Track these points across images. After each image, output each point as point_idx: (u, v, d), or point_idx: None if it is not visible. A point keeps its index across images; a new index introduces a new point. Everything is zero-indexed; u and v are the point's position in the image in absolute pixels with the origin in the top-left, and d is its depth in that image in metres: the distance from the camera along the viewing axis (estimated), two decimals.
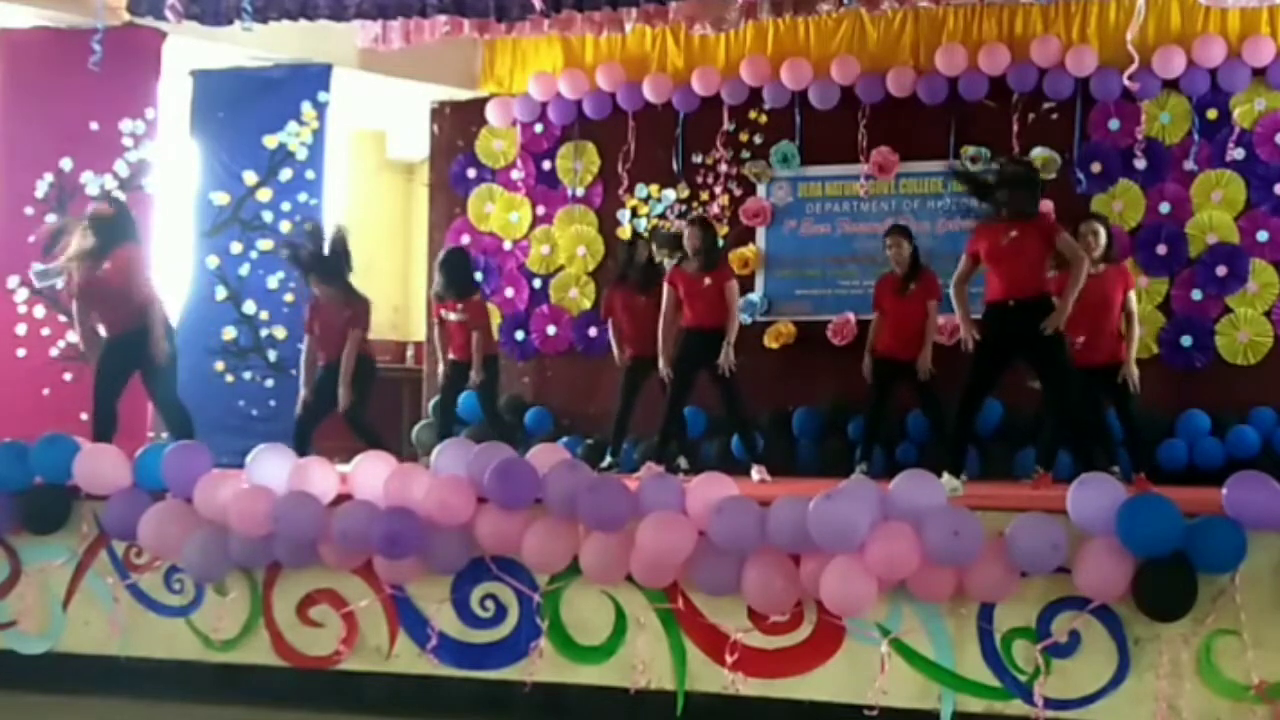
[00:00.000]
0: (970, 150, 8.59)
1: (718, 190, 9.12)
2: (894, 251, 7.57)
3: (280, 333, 8.85)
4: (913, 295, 7.49)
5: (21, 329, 8.43)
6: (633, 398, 7.93)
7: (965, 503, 4.77)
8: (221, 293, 8.92)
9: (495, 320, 9.37)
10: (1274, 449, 7.84)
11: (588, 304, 9.29)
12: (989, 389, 6.36)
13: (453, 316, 7.96)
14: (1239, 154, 8.28)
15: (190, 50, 8.72)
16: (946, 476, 5.76)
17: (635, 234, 9.04)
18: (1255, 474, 4.75)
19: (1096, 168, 8.46)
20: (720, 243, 7.79)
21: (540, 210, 9.50)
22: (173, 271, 8.91)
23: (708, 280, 7.32)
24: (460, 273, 8.08)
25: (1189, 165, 8.35)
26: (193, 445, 5.87)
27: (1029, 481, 6.66)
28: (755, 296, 8.97)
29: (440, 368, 8.35)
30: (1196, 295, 8.24)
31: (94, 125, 8.51)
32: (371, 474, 5.36)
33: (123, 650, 5.65)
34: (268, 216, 9.00)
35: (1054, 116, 8.53)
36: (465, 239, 9.51)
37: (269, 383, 8.88)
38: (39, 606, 5.75)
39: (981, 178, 6.66)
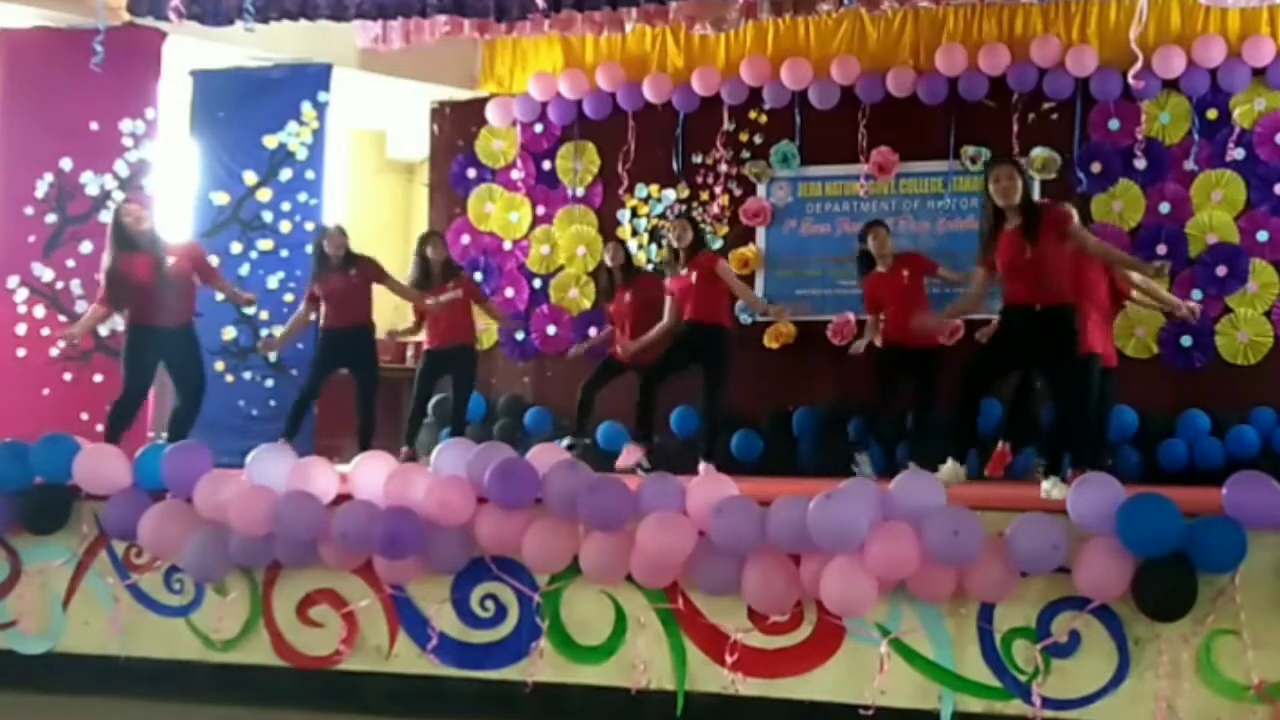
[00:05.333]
0: (970, 150, 8.61)
1: (718, 190, 9.13)
2: (878, 244, 7.56)
3: (280, 333, 8.83)
4: (910, 280, 7.56)
5: (21, 329, 8.43)
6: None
7: (965, 503, 4.77)
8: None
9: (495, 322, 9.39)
10: (1274, 449, 7.85)
11: (588, 304, 9.29)
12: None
13: (443, 298, 8.00)
14: (1239, 154, 8.28)
15: (190, 50, 8.72)
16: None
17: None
18: (1255, 474, 4.75)
19: (1096, 168, 8.46)
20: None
21: (540, 210, 9.51)
22: None
23: (694, 274, 7.34)
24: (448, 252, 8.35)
25: (1189, 165, 8.35)
26: (193, 445, 5.87)
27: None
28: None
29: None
30: (1196, 295, 8.23)
31: (94, 125, 8.52)
32: (371, 474, 5.36)
33: (123, 650, 5.65)
34: (268, 216, 9.00)
35: (1054, 116, 8.54)
36: (465, 239, 9.52)
37: (269, 383, 8.89)
38: (39, 606, 5.75)
39: None
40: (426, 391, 8.19)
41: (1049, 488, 5.50)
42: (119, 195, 8.38)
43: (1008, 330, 5.88)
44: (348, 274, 7.67)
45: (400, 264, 8.66)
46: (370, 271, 7.75)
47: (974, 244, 8.19)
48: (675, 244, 7.41)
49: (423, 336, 8.38)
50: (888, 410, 7.67)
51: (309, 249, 8.81)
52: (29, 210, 8.50)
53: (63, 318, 8.41)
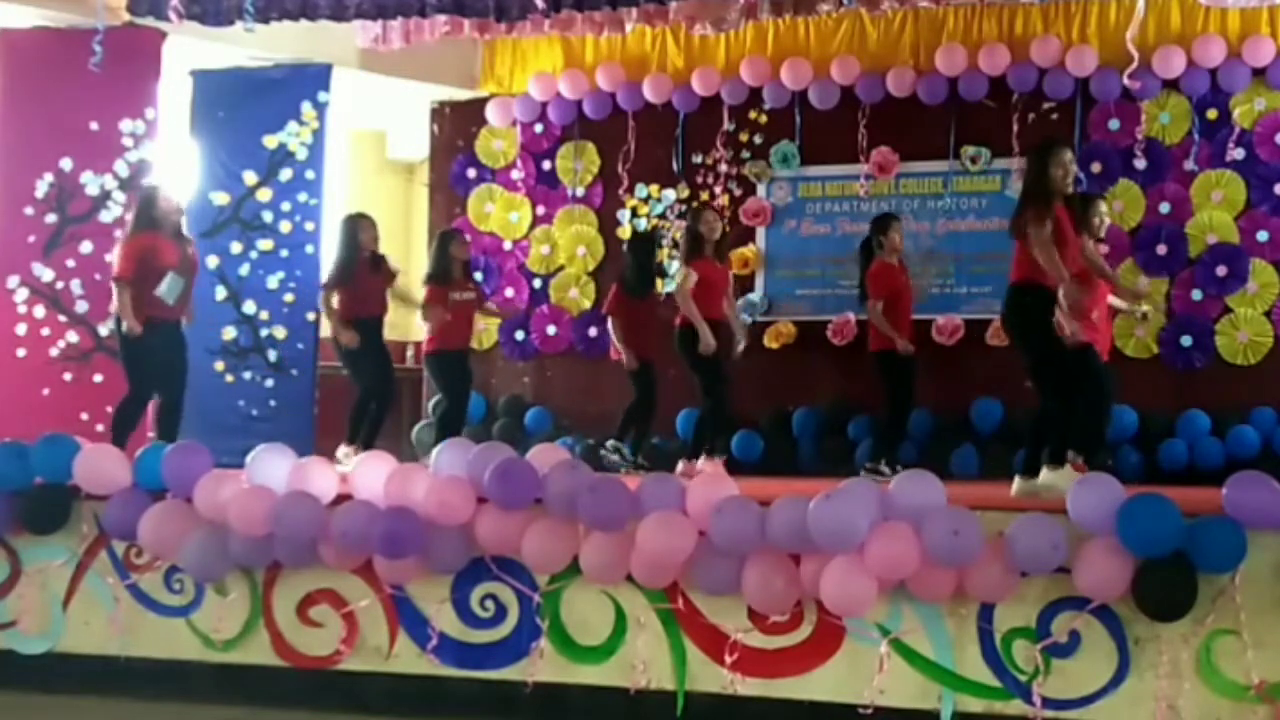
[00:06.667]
0: (970, 150, 8.61)
1: (718, 190, 9.12)
2: (900, 239, 7.59)
3: (280, 333, 8.83)
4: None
5: (21, 329, 8.42)
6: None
7: (965, 503, 4.77)
8: (221, 293, 8.90)
9: (496, 322, 9.37)
10: (1274, 449, 7.84)
11: (588, 304, 9.29)
12: None
13: (462, 296, 8.05)
14: (1239, 154, 8.27)
15: (190, 50, 8.71)
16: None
17: (638, 233, 9.03)
18: (1255, 474, 4.75)
19: (1096, 168, 8.45)
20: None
21: (540, 210, 9.51)
22: None
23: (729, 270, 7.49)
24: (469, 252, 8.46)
25: (1189, 165, 8.35)
26: (193, 445, 5.87)
27: None
28: (755, 296, 8.98)
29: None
30: (1196, 295, 8.24)
31: (94, 125, 8.50)
32: (371, 474, 5.36)
33: (123, 650, 5.65)
34: (268, 216, 8.98)
35: (1054, 116, 8.53)
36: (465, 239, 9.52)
37: (269, 383, 8.87)
38: (39, 606, 5.75)
39: None
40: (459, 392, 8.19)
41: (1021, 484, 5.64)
42: (119, 195, 8.37)
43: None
44: (380, 267, 7.92)
45: (400, 264, 8.67)
46: (387, 269, 7.97)
47: (974, 244, 8.36)
48: (710, 236, 7.50)
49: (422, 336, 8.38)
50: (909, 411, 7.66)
51: (309, 249, 8.85)
52: (29, 210, 8.48)
53: (63, 318, 8.40)
